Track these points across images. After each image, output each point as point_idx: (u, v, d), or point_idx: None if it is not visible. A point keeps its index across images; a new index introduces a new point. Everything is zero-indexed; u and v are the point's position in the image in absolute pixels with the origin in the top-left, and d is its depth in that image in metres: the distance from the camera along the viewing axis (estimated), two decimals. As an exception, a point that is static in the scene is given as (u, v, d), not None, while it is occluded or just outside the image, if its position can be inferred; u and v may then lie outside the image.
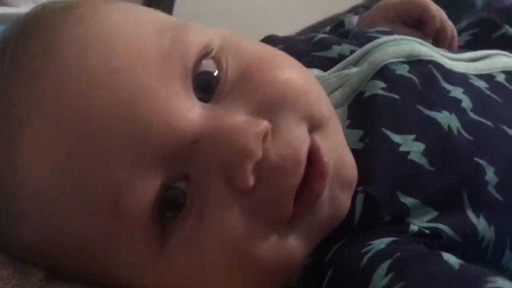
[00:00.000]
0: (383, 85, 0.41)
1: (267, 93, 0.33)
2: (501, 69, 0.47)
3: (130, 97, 0.30)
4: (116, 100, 0.30)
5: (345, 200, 0.35)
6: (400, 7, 0.58)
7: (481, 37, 0.59)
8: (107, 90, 0.30)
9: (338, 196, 0.34)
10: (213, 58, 0.34)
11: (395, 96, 0.40)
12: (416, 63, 0.43)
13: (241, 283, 0.33)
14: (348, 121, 0.40)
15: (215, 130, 0.31)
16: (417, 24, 0.58)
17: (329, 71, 0.45)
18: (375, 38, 0.46)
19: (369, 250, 0.33)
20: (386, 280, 0.30)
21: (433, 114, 0.39)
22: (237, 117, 0.32)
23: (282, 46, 0.50)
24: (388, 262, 0.31)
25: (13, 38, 0.35)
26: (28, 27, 0.35)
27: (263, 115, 0.32)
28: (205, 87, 0.33)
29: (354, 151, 0.37)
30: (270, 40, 0.54)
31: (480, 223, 0.36)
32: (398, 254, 0.32)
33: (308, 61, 0.45)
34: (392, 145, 0.37)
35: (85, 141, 0.30)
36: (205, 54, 0.34)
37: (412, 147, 0.37)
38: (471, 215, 0.36)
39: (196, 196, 0.31)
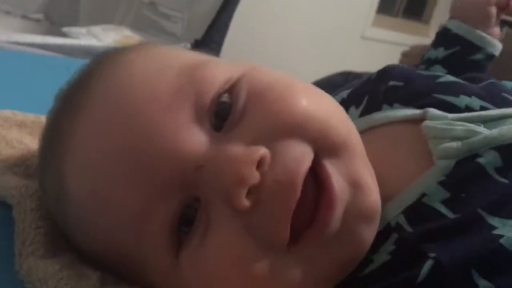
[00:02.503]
0: (500, 164, 0.38)
1: (269, 122, 0.35)
2: None
3: (143, 131, 0.34)
4: (133, 134, 0.34)
5: (362, 234, 0.35)
6: None
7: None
8: (125, 130, 0.35)
9: (353, 227, 0.34)
10: (230, 91, 0.37)
11: (505, 181, 0.37)
12: None
13: None
14: (444, 178, 0.39)
15: (216, 158, 0.34)
16: None
17: (454, 115, 0.43)
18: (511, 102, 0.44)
19: None
20: None
21: None
22: (236, 147, 0.34)
23: (401, 83, 0.49)
24: None
25: (71, 82, 0.41)
26: (82, 74, 0.41)
27: (263, 143, 0.34)
28: (222, 116, 0.36)
29: (430, 210, 0.37)
30: (388, 71, 0.53)
31: None
32: None
33: (427, 102, 0.45)
34: (485, 226, 0.35)
35: (110, 172, 0.35)
36: (227, 88, 0.37)
37: (509, 232, 0.34)
38: None
39: (204, 215, 0.34)
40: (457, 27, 0.67)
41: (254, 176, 0.32)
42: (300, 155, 0.34)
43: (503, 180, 0.37)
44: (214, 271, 0.34)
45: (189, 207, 0.35)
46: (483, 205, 0.36)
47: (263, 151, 0.33)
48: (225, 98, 0.36)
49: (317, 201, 0.34)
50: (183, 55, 0.41)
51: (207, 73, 0.37)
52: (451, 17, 0.70)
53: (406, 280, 0.34)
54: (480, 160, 0.38)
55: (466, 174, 0.38)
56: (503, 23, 0.74)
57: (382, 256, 0.36)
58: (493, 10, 0.66)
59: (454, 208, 0.37)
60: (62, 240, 0.41)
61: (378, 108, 0.48)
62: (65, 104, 0.40)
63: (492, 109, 0.43)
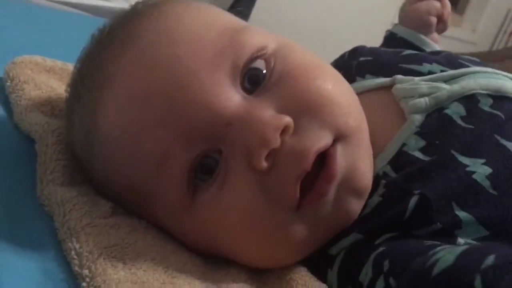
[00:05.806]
0: (463, 113, 0.44)
1: (298, 97, 0.39)
2: None
3: (183, 80, 0.37)
4: (173, 81, 0.37)
5: (351, 204, 0.39)
6: None
7: None
8: (167, 73, 0.37)
9: (344, 199, 0.39)
10: (265, 59, 0.40)
11: (471, 126, 0.42)
12: (502, 98, 0.45)
13: (250, 244, 0.39)
14: (418, 129, 0.44)
15: (245, 118, 0.37)
16: None
17: (419, 78, 0.49)
18: (467, 66, 0.50)
19: (437, 259, 0.32)
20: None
21: (508, 144, 0.41)
22: (265, 111, 0.37)
23: (370, 58, 0.56)
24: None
25: (114, 23, 0.44)
26: (125, 17, 0.44)
27: (290, 114, 0.37)
28: (253, 81, 0.39)
29: (410, 156, 0.41)
30: (359, 50, 0.59)
31: None
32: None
33: (394, 71, 0.51)
34: (459, 164, 0.39)
35: (145, 112, 0.38)
36: (260, 55, 0.40)
37: (479, 169, 0.39)
38: None
39: (224, 167, 0.38)
40: (401, 31, 0.73)
41: (276, 141, 0.36)
42: (319, 135, 0.38)
43: (469, 126, 0.43)
44: (227, 218, 0.38)
45: (210, 157, 0.38)
46: (456, 147, 0.41)
47: (288, 119, 0.37)
48: (259, 64, 0.40)
49: (318, 172, 0.38)
50: (223, 16, 0.44)
51: (246, 37, 0.40)
52: (397, 23, 0.76)
53: (395, 216, 0.38)
54: (447, 111, 0.44)
55: (436, 124, 0.44)
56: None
57: (374, 199, 0.40)
58: (433, 19, 0.72)
59: (430, 153, 0.41)
60: (80, 174, 0.45)
61: (352, 81, 0.52)
62: (109, 40, 0.42)
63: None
